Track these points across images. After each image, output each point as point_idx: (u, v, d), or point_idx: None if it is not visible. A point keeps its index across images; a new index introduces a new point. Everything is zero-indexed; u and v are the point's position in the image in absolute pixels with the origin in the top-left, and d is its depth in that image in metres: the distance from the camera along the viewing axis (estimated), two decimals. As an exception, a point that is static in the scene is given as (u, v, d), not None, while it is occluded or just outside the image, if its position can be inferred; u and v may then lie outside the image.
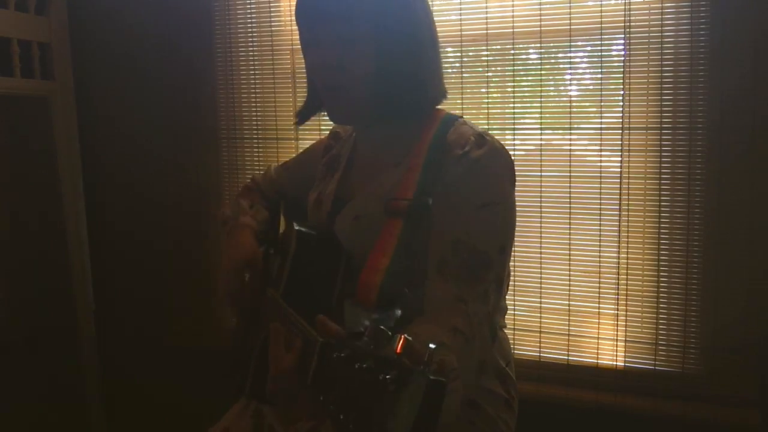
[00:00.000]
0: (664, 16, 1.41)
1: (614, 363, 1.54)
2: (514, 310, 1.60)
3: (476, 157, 0.94)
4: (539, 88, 1.53)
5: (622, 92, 1.47)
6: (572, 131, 1.52)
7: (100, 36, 2.03)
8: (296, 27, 1.02)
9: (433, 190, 0.93)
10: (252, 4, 1.81)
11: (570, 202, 1.52)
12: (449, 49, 1.58)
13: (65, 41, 1.97)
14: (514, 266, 1.58)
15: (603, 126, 1.49)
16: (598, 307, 1.54)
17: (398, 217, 0.92)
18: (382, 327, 0.61)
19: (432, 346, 0.58)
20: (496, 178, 0.96)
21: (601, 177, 1.50)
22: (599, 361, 1.56)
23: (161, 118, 1.98)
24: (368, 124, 1.06)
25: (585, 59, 1.51)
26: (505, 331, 1.14)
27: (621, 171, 1.49)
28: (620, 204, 1.49)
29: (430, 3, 1.05)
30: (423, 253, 0.91)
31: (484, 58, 1.58)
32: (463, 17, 1.57)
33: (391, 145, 1.03)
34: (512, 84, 1.55)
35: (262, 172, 1.36)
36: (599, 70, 1.48)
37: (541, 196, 1.54)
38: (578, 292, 1.55)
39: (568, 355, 1.58)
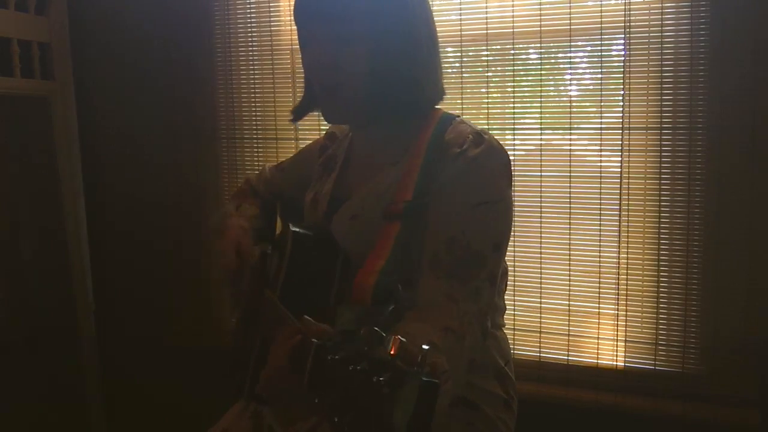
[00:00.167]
0: (664, 16, 1.41)
1: (614, 363, 1.54)
2: (514, 310, 1.60)
3: (473, 156, 0.94)
4: (539, 88, 1.53)
5: (622, 92, 1.47)
6: (572, 131, 1.52)
7: (100, 36, 2.03)
8: (295, 27, 1.03)
9: (431, 190, 0.93)
10: (252, 4, 1.81)
11: (570, 202, 1.52)
12: (449, 49, 1.58)
13: (65, 41, 1.97)
14: (514, 266, 1.58)
15: (603, 126, 1.49)
16: (598, 307, 1.54)
17: (396, 220, 0.92)
18: (375, 329, 0.61)
19: (425, 347, 0.58)
20: (493, 177, 0.96)
21: (601, 177, 1.50)
22: (599, 361, 1.56)
23: (161, 118, 1.98)
24: (363, 123, 1.06)
25: (585, 59, 1.51)
26: (505, 331, 1.14)
27: (621, 171, 1.49)
28: (620, 204, 1.49)
29: (430, 2, 1.05)
30: (418, 251, 0.91)
31: (484, 58, 1.58)
32: (463, 17, 1.57)
33: (388, 144, 1.03)
34: (512, 84, 1.55)
35: (256, 173, 1.36)
36: (599, 70, 1.48)
37: (541, 196, 1.54)
38: (578, 292, 1.55)
39: (568, 355, 1.58)
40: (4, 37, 1.78)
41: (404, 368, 0.55)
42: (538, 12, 1.50)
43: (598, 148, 1.50)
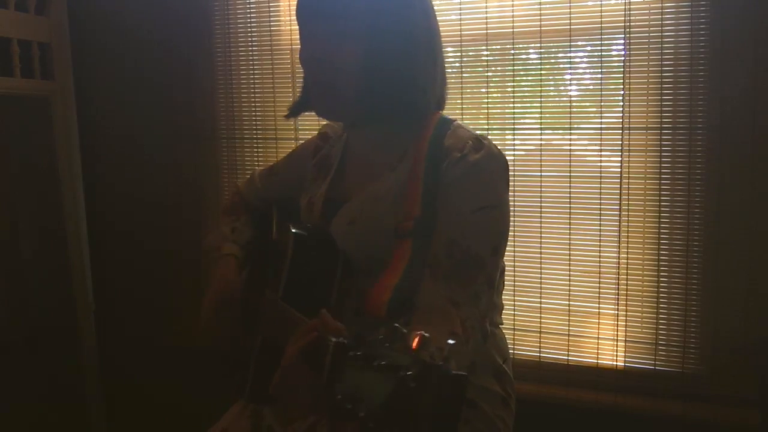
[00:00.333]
0: (664, 16, 1.41)
1: (614, 363, 1.54)
2: (514, 310, 1.60)
3: (474, 161, 0.94)
4: (539, 88, 1.53)
5: (622, 92, 1.47)
6: (572, 131, 1.52)
7: (100, 36, 2.03)
8: (296, 27, 1.03)
9: (436, 204, 0.94)
10: (251, 4, 1.81)
11: (570, 202, 1.52)
12: (449, 49, 1.58)
13: (65, 41, 1.97)
14: (514, 266, 1.58)
15: (603, 126, 1.49)
16: (598, 307, 1.54)
17: (407, 237, 0.92)
18: (396, 324, 0.60)
19: (451, 341, 0.58)
20: (493, 182, 0.96)
21: (601, 177, 1.50)
22: (599, 361, 1.56)
23: (161, 118, 1.98)
24: (356, 122, 1.05)
25: (585, 59, 1.51)
26: (505, 331, 1.14)
27: (621, 171, 1.49)
28: (620, 204, 1.49)
29: (432, 6, 1.04)
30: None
31: (483, 58, 1.58)
32: (462, 17, 1.57)
33: (385, 147, 1.03)
34: (512, 84, 1.55)
35: (246, 180, 1.34)
36: (599, 70, 1.48)
37: (541, 196, 1.54)
38: (578, 292, 1.55)
39: (568, 356, 1.58)
40: (4, 37, 1.78)
41: (431, 363, 0.55)
42: (538, 12, 1.50)
43: (598, 148, 1.50)
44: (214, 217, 1.88)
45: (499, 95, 1.58)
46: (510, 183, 1.03)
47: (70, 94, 2.00)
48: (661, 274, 1.48)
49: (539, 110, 1.54)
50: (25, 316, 1.95)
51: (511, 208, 1.18)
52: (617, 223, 1.50)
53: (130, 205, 2.06)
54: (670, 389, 1.49)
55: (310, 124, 1.75)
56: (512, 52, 1.54)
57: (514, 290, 1.59)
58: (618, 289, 1.52)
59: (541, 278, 1.57)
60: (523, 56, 1.55)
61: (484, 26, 1.55)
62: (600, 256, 1.52)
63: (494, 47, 1.56)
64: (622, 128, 1.47)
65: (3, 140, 1.91)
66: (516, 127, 1.56)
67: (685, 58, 1.41)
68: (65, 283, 1.99)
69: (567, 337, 1.57)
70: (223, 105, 1.89)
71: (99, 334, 2.08)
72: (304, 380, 0.71)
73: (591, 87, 1.51)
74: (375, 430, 0.56)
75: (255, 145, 1.87)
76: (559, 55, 1.52)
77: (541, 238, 1.56)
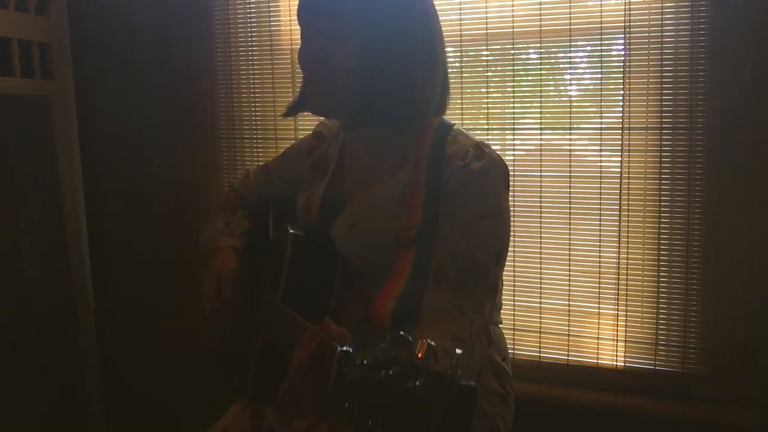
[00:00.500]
0: (664, 16, 1.41)
1: (614, 363, 1.54)
2: (514, 310, 1.60)
3: (476, 170, 0.94)
4: (539, 88, 1.53)
5: (622, 92, 1.47)
6: (572, 131, 1.52)
7: (100, 36, 2.03)
8: (296, 27, 1.03)
9: (439, 213, 0.94)
10: (251, 4, 1.81)
11: (570, 202, 1.52)
12: (449, 49, 1.57)
13: (65, 41, 1.97)
14: (514, 266, 1.58)
15: (603, 126, 1.49)
16: (598, 307, 1.54)
17: (410, 246, 0.93)
18: (401, 333, 0.60)
19: (459, 351, 0.57)
20: (495, 190, 0.97)
21: (601, 177, 1.50)
22: (599, 361, 1.56)
23: (161, 118, 1.98)
24: (353, 122, 1.05)
25: (585, 59, 1.51)
26: (505, 331, 1.14)
27: (621, 171, 1.49)
28: (620, 204, 1.49)
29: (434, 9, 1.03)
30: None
31: (483, 58, 1.58)
32: (462, 17, 1.57)
33: (384, 151, 1.03)
34: (512, 84, 1.55)
35: (241, 178, 1.34)
36: (599, 70, 1.48)
37: (541, 196, 1.54)
38: (578, 292, 1.55)
39: (568, 355, 1.58)
40: (4, 37, 1.77)
41: (440, 372, 0.54)
42: (538, 12, 1.50)
43: (598, 148, 1.50)
44: (213, 216, 1.88)
45: (499, 95, 1.58)
46: (510, 183, 1.03)
47: (70, 94, 2.00)
48: (661, 274, 1.48)
49: (539, 110, 1.54)
50: (25, 317, 1.95)
51: (511, 208, 1.18)
52: (617, 223, 1.50)
53: (130, 205, 2.06)
54: (670, 389, 1.49)
55: (310, 124, 1.75)
56: (512, 52, 1.54)
57: (514, 290, 1.59)
58: (618, 289, 1.52)
59: (541, 278, 1.57)
60: (523, 56, 1.55)
61: (484, 26, 1.55)
62: (600, 256, 1.52)
63: (494, 47, 1.56)
64: (622, 128, 1.47)
65: (3, 140, 1.91)
66: (516, 127, 1.56)
67: (685, 58, 1.41)
68: (65, 283, 1.99)
69: (567, 337, 1.57)
70: (223, 105, 1.89)
71: (99, 334, 2.08)
72: (311, 387, 0.71)
73: (591, 87, 1.51)
74: None
75: (255, 145, 1.87)
76: (559, 55, 1.52)
77: (541, 238, 1.56)
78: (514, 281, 1.58)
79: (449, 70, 1.08)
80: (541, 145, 1.54)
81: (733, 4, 1.36)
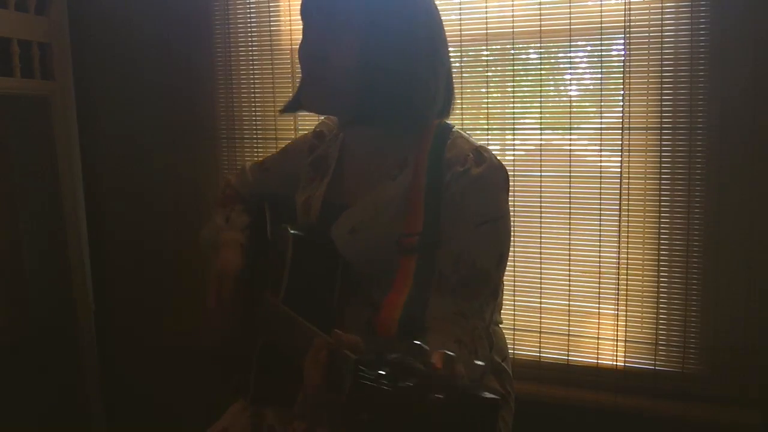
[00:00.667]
0: (664, 16, 1.41)
1: (614, 363, 1.54)
2: (514, 310, 1.60)
3: (476, 175, 0.94)
4: (539, 88, 1.53)
5: (622, 92, 1.47)
6: (572, 131, 1.52)
7: (100, 36, 2.03)
8: (296, 27, 1.03)
9: (440, 219, 0.94)
10: (251, 4, 1.81)
11: (570, 202, 1.52)
12: (449, 49, 1.57)
13: (65, 41, 1.97)
14: (514, 266, 1.58)
15: (603, 126, 1.49)
16: (598, 307, 1.54)
17: (412, 253, 0.92)
18: (416, 342, 0.58)
19: (480, 363, 0.56)
20: (496, 195, 0.97)
21: (601, 177, 1.50)
22: (599, 361, 1.56)
23: (161, 118, 1.98)
24: (350, 119, 1.04)
25: (585, 59, 1.51)
26: (505, 331, 1.14)
27: (621, 171, 1.49)
28: (620, 204, 1.49)
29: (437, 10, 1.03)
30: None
31: (483, 58, 1.58)
32: (462, 17, 1.57)
33: (384, 153, 1.02)
34: (512, 84, 1.55)
35: (236, 173, 1.32)
36: (599, 70, 1.48)
37: (541, 196, 1.54)
38: (578, 292, 1.55)
39: (568, 355, 1.58)
40: (4, 37, 1.77)
41: (461, 386, 0.52)
42: (538, 12, 1.50)
43: (598, 148, 1.50)
44: (211, 213, 1.88)
45: (499, 95, 1.58)
46: (510, 184, 1.03)
47: (70, 94, 2.00)
48: (661, 274, 1.48)
49: (539, 110, 1.54)
50: (25, 317, 1.95)
51: (511, 209, 1.17)
52: (617, 223, 1.50)
53: (130, 205, 2.06)
54: (670, 389, 1.49)
55: (310, 124, 1.75)
56: (512, 52, 1.54)
57: (514, 290, 1.59)
58: (618, 289, 1.52)
59: (541, 278, 1.57)
60: (523, 56, 1.55)
61: (484, 26, 1.55)
62: (600, 256, 1.52)
63: (494, 47, 1.56)
64: (622, 128, 1.47)
65: (3, 140, 1.91)
66: (516, 127, 1.56)
67: (685, 58, 1.41)
68: (65, 283, 1.99)
69: (567, 337, 1.57)
70: (223, 105, 1.89)
71: (99, 334, 2.08)
72: (327, 398, 0.70)
73: (591, 87, 1.51)
74: None
75: (255, 145, 1.87)
76: (559, 55, 1.52)
77: (541, 238, 1.56)
78: (514, 281, 1.58)
79: (449, 70, 1.07)
80: (541, 145, 1.54)
81: (733, 4, 1.36)
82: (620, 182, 1.49)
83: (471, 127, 1.60)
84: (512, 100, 1.55)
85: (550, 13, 1.49)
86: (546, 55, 1.53)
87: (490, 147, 1.02)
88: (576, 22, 1.48)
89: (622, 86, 1.47)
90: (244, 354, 1.07)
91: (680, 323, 1.48)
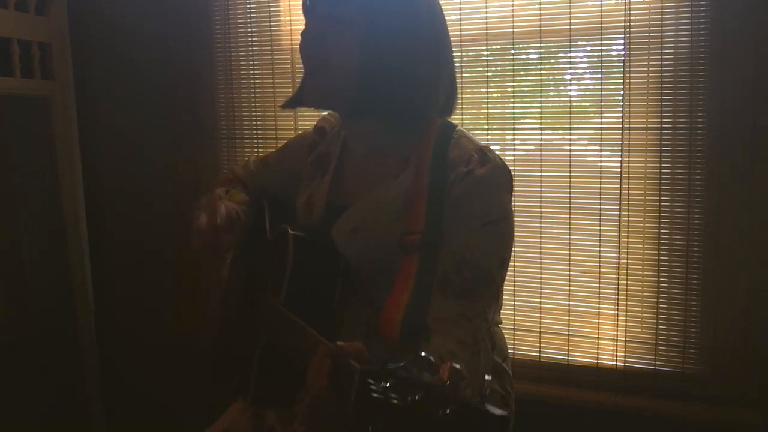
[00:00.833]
0: (664, 16, 1.41)
1: (614, 363, 1.54)
2: (514, 310, 1.60)
3: (480, 176, 0.94)
4: (539, 88, 1.53)
5: (622, 92, 1.47)
6: (572, 131, 1.52)
7: (100, 36, 2.03)
8: (296, 27, 1.03)
9: (442, 219, 0.93)
10: (252, 4, 1.81)
11: (570, 202, 1.52)
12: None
13: (65, 41, 1.97)
14: (514, 266, 1.58)
15: (603, 126, 1.49)
16: (598, 307, 1.54)
17: (414, 252, 0.92)
18: (422, 354, 0.57)
19: (488, 377, 0.56)
20: (499, 196, 0.96)
21: (601, 177, 1.50)
22: (599, 361, 1.56)
23: (161, 118, 1.98)
24: (349, 112, 1.04)
25: (585, 59, 1.51)
26: (505, 331, 1.14)
27: (621, 171, 1.49)
28: (620, 204, 1.49)
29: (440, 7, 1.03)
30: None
31: (484, 58, 1.58)
32: (462, 17, 1.57)
33: (386, 152, 1.02)
34: (512, 84, 1.55)
35: (241, 165, 1.32)
36: (599, 70, 1.48)
37: (541, 196, 1.54)
38: (578, 292, 1.55)
39: (568, 355, 1.58)
40: (4, 37, 1.78)
41: (469, 401, 0.51)
42: (538, 12, 1.50)
43: (598, 148, 1.50)
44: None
45: (499, 95, 1.58)
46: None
47: (70, 94, 2.00)
48: (661, 274, 1.48)
49: (539, 110, 1.54)
50: (25, 317, 1.95)
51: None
52: (617, 223, 1.50)
53: (130, 205, 2.06)
54: (670, 389, 1.49)
55: (310, 123, 1.74)
56: (512, 52, 1.54)
57: (514, 290, 1.59)
58: (618, 289, 1.52)
59: (541, 278, 1.57)
60: (523, 56, 1.55)
61: (484, 26, 1.55)
62: (600, 256, 1.52)
63: (494, 47, 1.56)
64: (622, 128, 1.47)
65: (3, 140, 1.91)
66: (516, 127, 1.56)
67: (685, 58, 1.41)
68: (65, 283, 1.99)
69: (567, 337, 1.57)
70: (224, 105, 1.89)
71: (99, 334, 2.07)
72: (329, 406, 0.69)
73: (591, 87, 1.51)
74: None
75: (255, 145, 1.87)
76: (559, 55, 1.52)
77: (541, 238, 1.56)
78: (514, 281, 1.58)
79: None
80: (541, 145, 1.54)
81: (733, 4, 1.36)
82: (620, 182, 1.49)
83: (471, 127, 1.60)
84: (512, 100, 1.55)
85: (550, 13, 1.49)
86: (546, 55, 1.53)
87: (490, 147, 1.01)
88: (576, 22, 1.48)
89: (622, 86, 1.47)
90: (244, 354, 1.06)
91: (680, 323, 1.48)
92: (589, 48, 1.49)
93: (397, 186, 0.98)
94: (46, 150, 1.93)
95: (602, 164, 1.50)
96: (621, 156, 1.48)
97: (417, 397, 0.54)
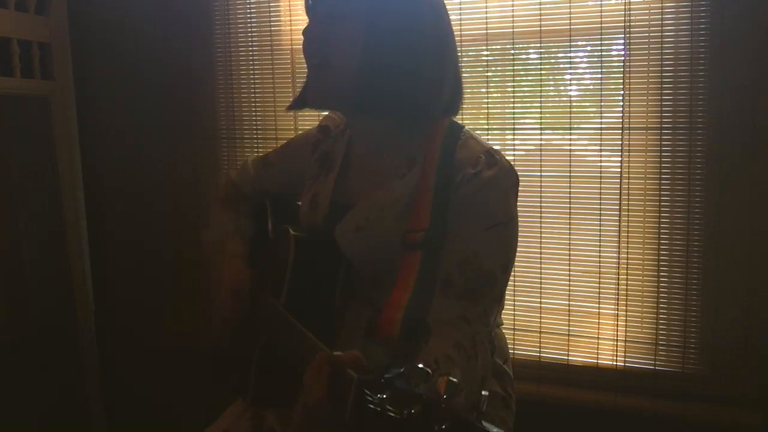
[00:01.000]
0: (664, 16, 1.41)
1: (614, 363, 1.54)
2: (514, 310, 1.60)
3: (487, 178, 0.93)
4: (539, 88, 1.53)
5: (622, 92, 1.47)
6: (572, 131, 1.52)
7: (100, 36, 2.03)
8: (296, 27, 1.03)
9: (447, 219, 0.93)
10: (252, 4, 1.81)
11: (570, 202, 1.52)
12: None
13: (65, 41, 1.97)
14: (514, 266, 1.57)
15: (603, 126, 1.49)
16: (598, 307, 1.54)
17: (416, 249, 0.91)
18: (420, 366, 0.57)
19: (485, 393, 0.56)
20: (505, 198, 0.96)
21: (601, 177, 1.50)
22: (599, 361, 1.56)
23: (161, 118, 1.98)
24: (351, 109, 1.03)
25: (585, 59, 1.51)
26: (505, 331, 1.14)
27: (621, 171, 1.49)
28: (620, 204, 1.49)
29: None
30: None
31: (484, 58, 1.58)
32: (463, 17, 1.57)
33: (392, 151, 1.01)
34: (512, 84, 1.55)
35: (238, 168, 1.31)
36: (599, 70, 1.48)
37: (541, 196, 1.54)
38: (578, 292, 1.55)
39: (568, 355, 1.58)
40: (4, 37, 1.77)
41: (465, 418, 0.52)
42: (538, 12, 1.50)
43: (598, 148, 1.50)
44: (214, 209, 1.87)
45: (499, 95, 1.58)
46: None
47: (70, 94, 2.00)
48: (661, 274, 1.48)
49: (539, 110, 1.54)
50: (25, 317, 1.95)
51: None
52: (617, 223, 1.50)
53: (130, 205, 2.06)
54: (670, 389, 1.49)
55: (311, 124, 1.74)
56: (512, 52, 1.54)
57: (514, 290, 1.59)
58: (618, 289, 1.52)
59: (541, 278, 1.57)
60: (523, 56, 1.55)
61: (484, 26, 1.55)
62: (600, 256, 1.52)
63: (494, 47, 1.56)
64: (622, 128, 1.47)
65: (3, 140, 1.91)
66: (516, 127, 1.56)
67: (685, 58, 1.41)
68: (65, 283, 1.99)
69: (567, 337, 1.57)
70: (223, 105, 1.89)
71: (99, 334, 2.08)
72: (327, 413, 0.69)
73: (591, 87, 1.51)
74: None
75: (255, 145, 1.87)
76: (559, 55, 1.52)
77: (541, 238, 1.56)
78: (514, 281, 1.58)
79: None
80: (541, 145, 1.54)
81: (733, 4, 1.36)
82: (620, 182, 1.49)
83: (471, 127, 1.58)
84: (512, 100, 1.55)
85: (550, 13, 1.49)
86: (546, 55, 1.53)
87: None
88: (576, 22, 1.48)
89: (622, 86, 1.47)
90: (244, 354, 1.06)
91: (680, 323, 1.48)
92: (589, 48, 1.49)
93: (402, 186, 0.97)
94: (46, 150, 1.93)
95: (602, 164, 1.50)
96: (621, 156, 1.48)
97: (413, 411, 0.54)
